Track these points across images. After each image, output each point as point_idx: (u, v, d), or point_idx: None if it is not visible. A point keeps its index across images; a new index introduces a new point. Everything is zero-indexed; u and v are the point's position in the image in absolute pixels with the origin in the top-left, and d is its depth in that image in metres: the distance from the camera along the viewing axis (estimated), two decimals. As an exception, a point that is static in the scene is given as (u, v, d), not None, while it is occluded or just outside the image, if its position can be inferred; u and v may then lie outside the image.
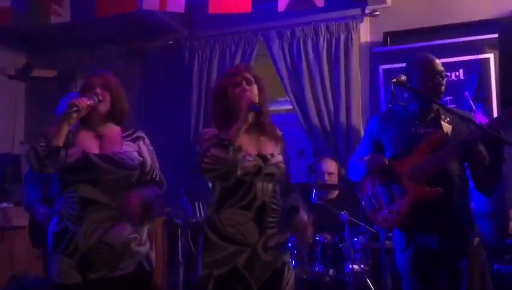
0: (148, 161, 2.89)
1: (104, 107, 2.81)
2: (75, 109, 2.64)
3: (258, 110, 2.52)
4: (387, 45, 5.19)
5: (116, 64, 6.09)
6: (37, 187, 3.88)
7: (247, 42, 5.59)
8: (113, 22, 5.40)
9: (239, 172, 2.50)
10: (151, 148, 2.97)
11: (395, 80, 2.90)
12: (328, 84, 5.23)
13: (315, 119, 5.25)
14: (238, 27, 5.63)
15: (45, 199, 3.82)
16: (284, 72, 5.41)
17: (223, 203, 2.56)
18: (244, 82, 2.64)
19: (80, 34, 5.89)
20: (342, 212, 4.10)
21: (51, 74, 6.36)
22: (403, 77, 2.92)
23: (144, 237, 2.81)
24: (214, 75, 5.65)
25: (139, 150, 2.88)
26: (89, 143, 2.78)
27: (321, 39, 5.30)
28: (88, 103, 2.70)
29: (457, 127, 2.93)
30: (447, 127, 2.92)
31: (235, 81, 2.64)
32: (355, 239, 4.12)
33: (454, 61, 4.74)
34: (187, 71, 5.79)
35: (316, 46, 5.32)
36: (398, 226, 2.93)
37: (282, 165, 2.64)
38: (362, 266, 4.07)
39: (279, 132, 2.75)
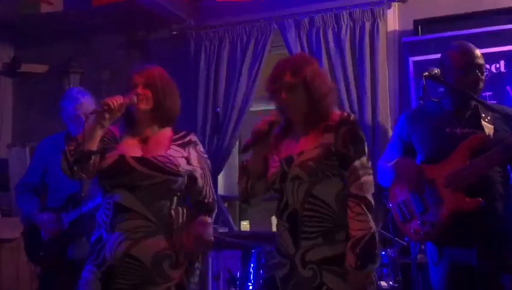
0: (199, 173, 2.86)
1: (145, 106, 2.79)
2: (105, 108, 2.65)
3: (243, 149, 2.60)
4: (418, 34, 5.16)
5: (114, 58, 6.14)
6: (32, 197, 3.93)
7: (260, 32, 5.60)
8: (110, 11, 5.44)
9: (269, 180, 2.62)
10: (205, 155, 2.93)
11: (426, 73, 2.91)
12: (351, 79, 5.23)
13: (337, 118, 5.24)
14: (250, 15, 5.64)
15: (44, 211, 3.86)
16: (302, 66, 5.40)
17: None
18: (283, 91, 2.61)
19: (73, 25, 5.94)
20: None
21: (41, 68, 6.40)
22: (436, 70, 2.92)
23: (182, 256, 2.76)
24: (223, 70, 5.67)
25: (188, 156, 2.84)
26: (132, 147, 2.79)
27: (343, 28, 5.29)
28: (121, 101, 2.70)
29: (499, 126, 2.91)
30: (488, 127, 2.90)
31: (274, 90, 2.65)
32: (383, 253, 4.11)
33: (495, 52, 4.72)
34: (193, 65, 5.80)
35: (337, 35, 5.31)
36: (432, 239, 2.93)
37: (310, 163, 2.52)
38: (391, 282, 4.06)
39: (337, 118, 2.60)
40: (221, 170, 5.68)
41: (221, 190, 5.95)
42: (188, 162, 2.83)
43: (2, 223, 5.08)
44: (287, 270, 2.55)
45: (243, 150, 2.58)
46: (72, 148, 2.63)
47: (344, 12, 5.30)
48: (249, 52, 5.59)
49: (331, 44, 5.32)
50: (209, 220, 2.89)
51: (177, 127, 2.93)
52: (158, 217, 2.72)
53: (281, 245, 2.60)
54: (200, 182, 2.86)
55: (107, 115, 2.66)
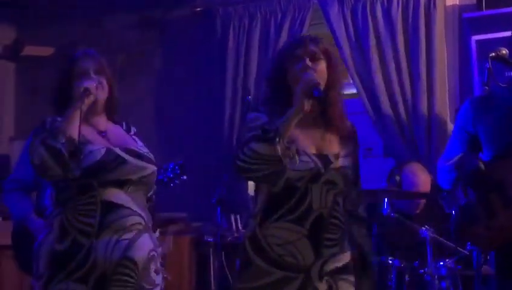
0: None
1: (103, 96, 2.87)
2: (87, 93, 2.71)
3: (317, 94, 2.47)
4: (482, 9, 5.14)
5: (128, 40, 6.19)
6: (23, 197, 3.92)
7: (297, 8, 5.61)
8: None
9: (290, 175, 2.50)
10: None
11: (493, 54, 2.89)
12: (403, 62, 5.22)
13: (387, 107, 5.25)
14: (285, -12, 5.66)
15: (37, 212, 3.89)
16: (346, 47, 5.42)
17: (270, 214, 2.56)
18: (307, 57, 2.61)
19: (82, 2, 5.99)
20: (423, 228, 4.09)
21: (46, 51, 6.48)
22: (504, 50, 2.90)
23: (158, 262, 2.87)
24: (255, 51, 5.69)
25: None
26: (98, 140, 2.84)
27: (394, 2, 5.28)
28: (95, 85, 2.79)
29: None
30: None
31: (296, 55, 2.62)
32: (441, 263, 4.11)
33: None
34: (220, 47, 5.85)
35: (387, 11, 5.31)
36: (500, 247, 2.91)
37: (348, 173, 2.62)
38: (450, 297, 4.07)
39: (350, 127, 2.74)
40: (252, 167, 5.68)
41: (251, 191, 5.95)
42: None
43: (3, 227, 5.12)
44: (298, 285, 2.51)
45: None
46: (64, 141, 2.60)
47: (395, -16, 5.29)
48: (284, 31, 5.61)
49: (380, 21, 5.31)
50: None
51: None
52: (145, 213, 2.82)
53: (286, 256, 2.52)
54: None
55: (86, 101, 2.73)
